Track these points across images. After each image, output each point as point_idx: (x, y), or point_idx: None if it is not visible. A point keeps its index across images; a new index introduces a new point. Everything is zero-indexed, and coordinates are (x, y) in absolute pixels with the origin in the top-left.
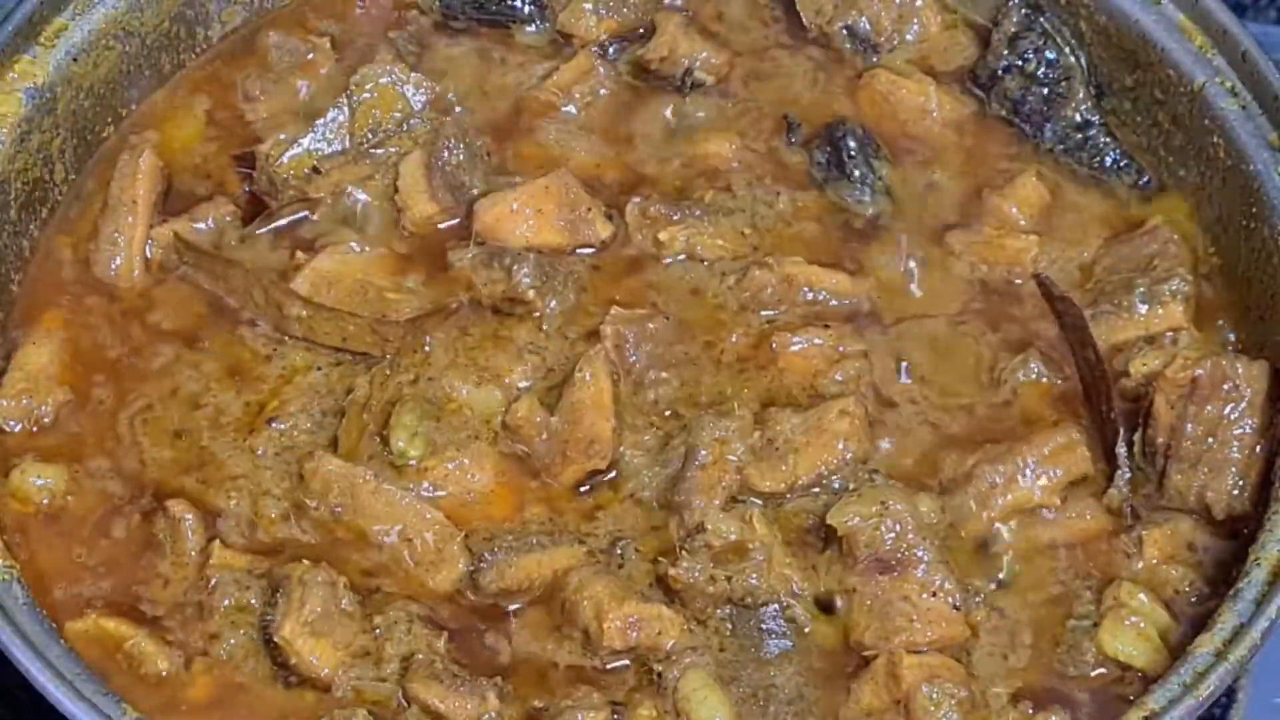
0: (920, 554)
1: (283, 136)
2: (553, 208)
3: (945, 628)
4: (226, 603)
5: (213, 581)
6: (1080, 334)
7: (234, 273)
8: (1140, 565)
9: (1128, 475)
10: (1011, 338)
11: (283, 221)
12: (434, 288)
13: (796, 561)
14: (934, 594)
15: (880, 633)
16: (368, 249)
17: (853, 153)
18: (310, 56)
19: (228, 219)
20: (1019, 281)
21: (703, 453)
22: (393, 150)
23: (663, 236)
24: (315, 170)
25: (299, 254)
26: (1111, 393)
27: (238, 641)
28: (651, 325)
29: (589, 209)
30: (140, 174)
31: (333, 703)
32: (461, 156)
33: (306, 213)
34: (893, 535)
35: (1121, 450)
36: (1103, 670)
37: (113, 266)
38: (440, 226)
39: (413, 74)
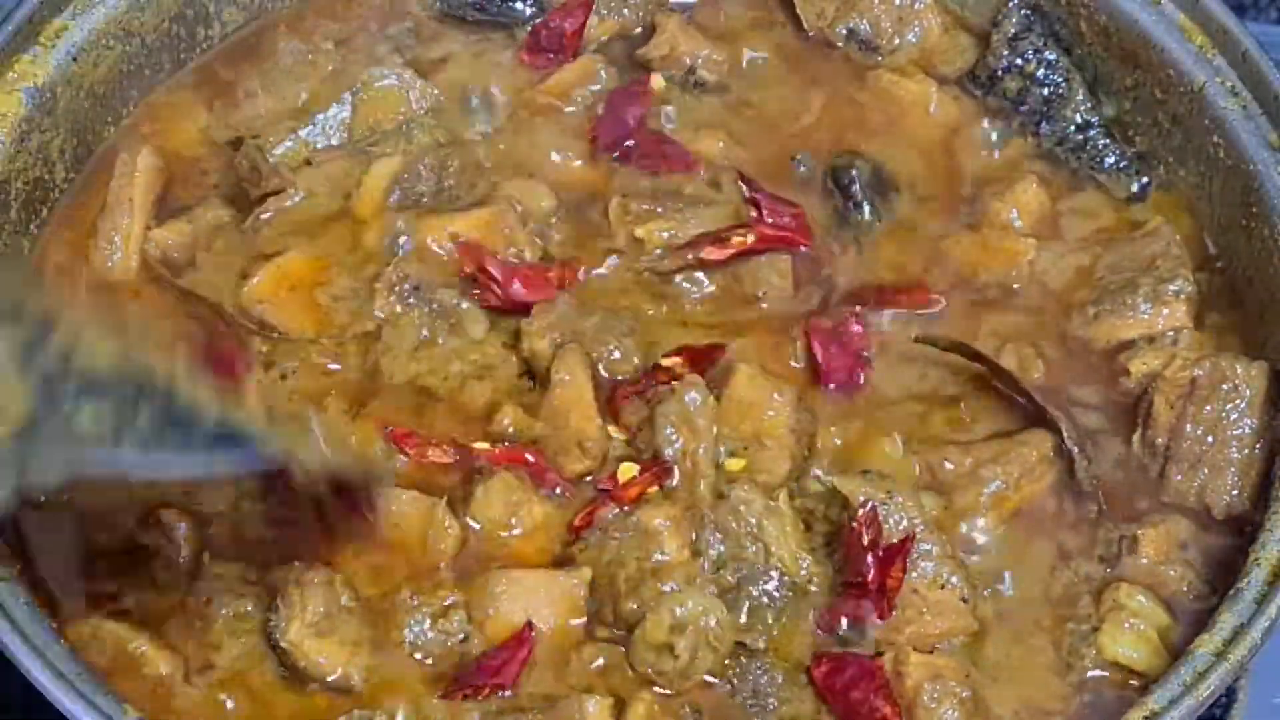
0: (928, 547)
1: (282, 125)
2: (490, 237)
3: (955, 619)
4: (224, 612)
5: (207, 593)
6: (970, 354)
7: (199, 303)
8: (1136, 565)
9: (1085, 463)
10: (1000, 334)
11: (268, 214)
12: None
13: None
14: (942, 586)
15: (890, 624)
16: (327, 252)
17: (858, 197)
18: (311, 57)
19: (212, 220)
20: (1016, 285)
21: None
22: (386, 151)
23: (639, 233)
24: (307, 162)
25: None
26: (1030, 394)
27: (239, 651)
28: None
29: (524, 249)
30: (138, 174)
31: (343, 704)
32: (429, 186)
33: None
34: (901, 527)
35: (1069, 444)
36: (1103, 673)
37: (110, 265)
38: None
39: (419, 80)
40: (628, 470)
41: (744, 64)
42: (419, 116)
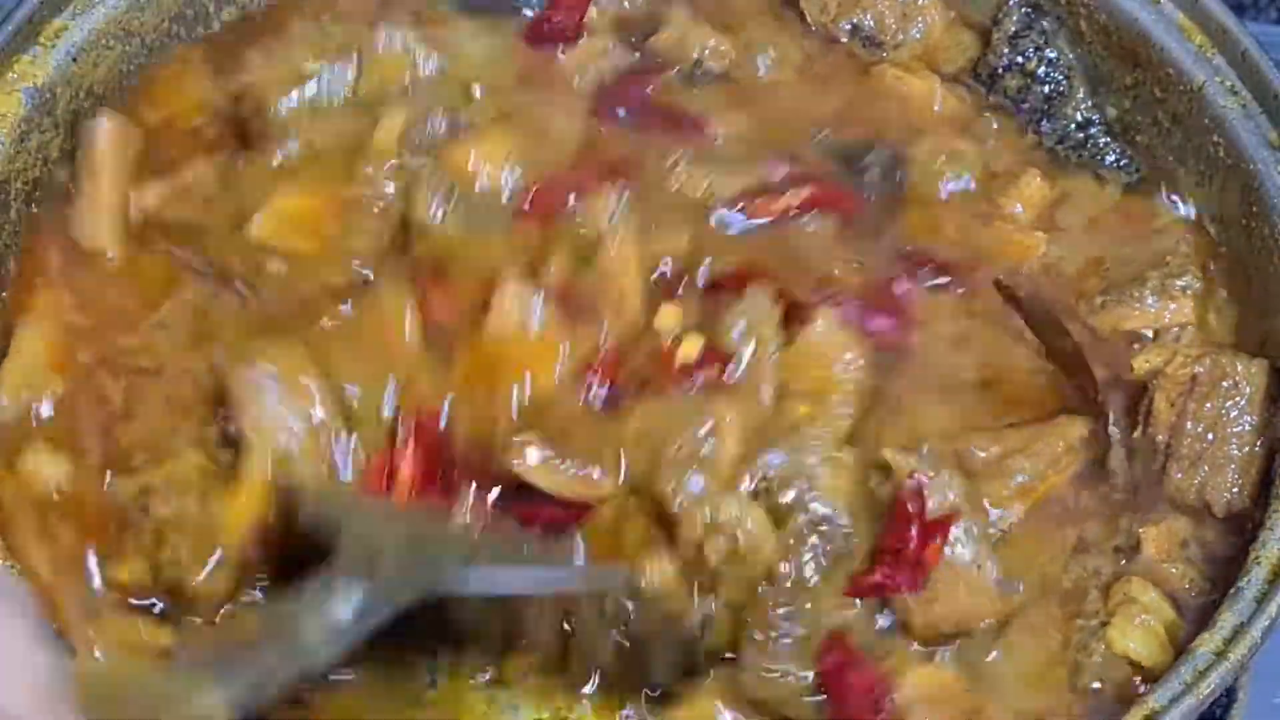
0: (968, 526)
1: (286, 84)
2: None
3: (986, 603)
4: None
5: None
6: (1050, 328)
7: (207, 240)
8: (1139, 562)
9: (1122, 453)
10: (1015, 326)
11: (271, 157)
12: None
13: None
14: (979, 567)
15: (921, 597)
16: (328, 191)
17: (876, 187)
18: (318, 33)
19: (199, 176)
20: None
21: None
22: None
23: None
24: (311, 114)
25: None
26: (1094, 377)
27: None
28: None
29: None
30: (99, 136)
31: None
32: (442, 131)
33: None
34: (944, 506)
35: (1114, 431)
36: (1111, 669)
37: (92, 235)
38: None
39: (425, 46)
40: (692, 342)
41: (750, 56)
42: (425, 81)
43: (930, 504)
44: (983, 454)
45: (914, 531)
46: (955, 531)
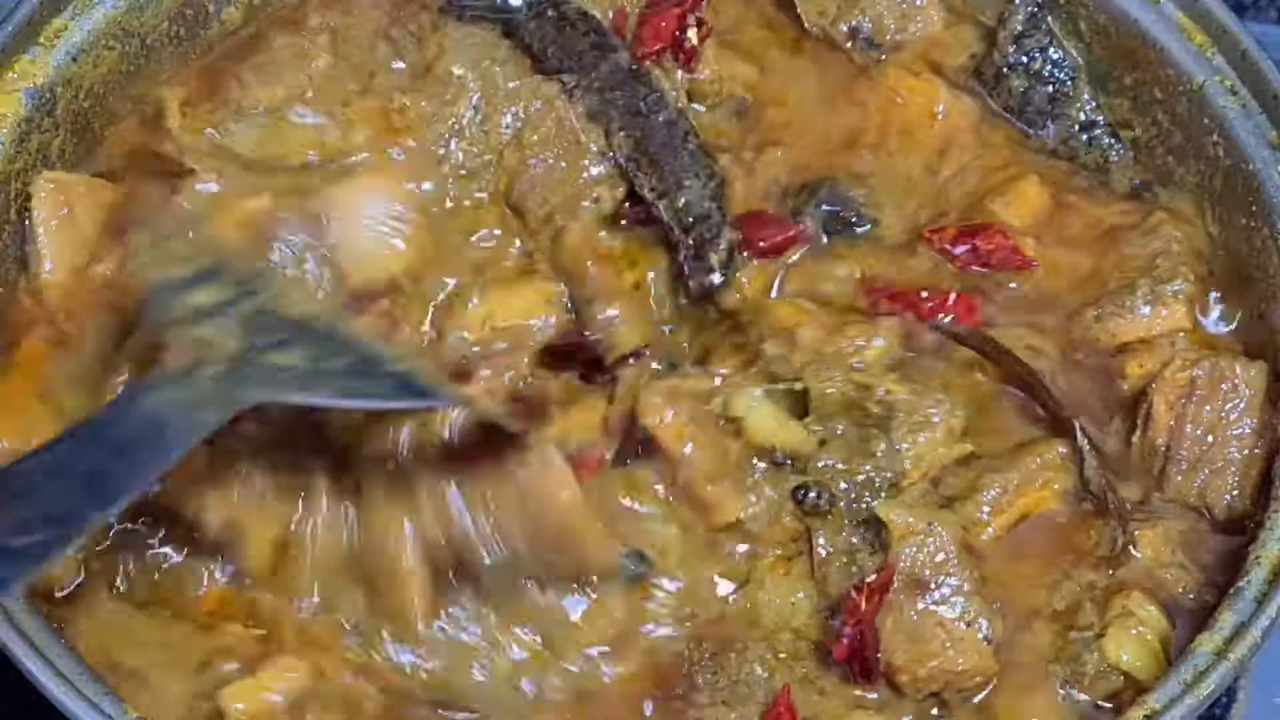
0: (957, 582)
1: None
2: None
3: (977, 660)
4: None
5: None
6: (991, 349)
7: None
8: (1137, 564)
9: (1095, 462)
10: (1002, 335)
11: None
12: None
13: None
14: (968, 624)
15: (912, 655)
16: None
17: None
18: (308, 49)
19: None
20: (1014, 285)
21: None
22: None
23: None
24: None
25: None
26: (1051, 391)
27: None
28: None
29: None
30: (38, 208)
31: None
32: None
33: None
34: (938, 558)
35: (1082, 441)
36: (1103, 681)
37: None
38: None
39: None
40: None
41: (762, 78)
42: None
43: (921, 558)
44: (956, 480)
45: (848, 630)
46: (946, 588)
